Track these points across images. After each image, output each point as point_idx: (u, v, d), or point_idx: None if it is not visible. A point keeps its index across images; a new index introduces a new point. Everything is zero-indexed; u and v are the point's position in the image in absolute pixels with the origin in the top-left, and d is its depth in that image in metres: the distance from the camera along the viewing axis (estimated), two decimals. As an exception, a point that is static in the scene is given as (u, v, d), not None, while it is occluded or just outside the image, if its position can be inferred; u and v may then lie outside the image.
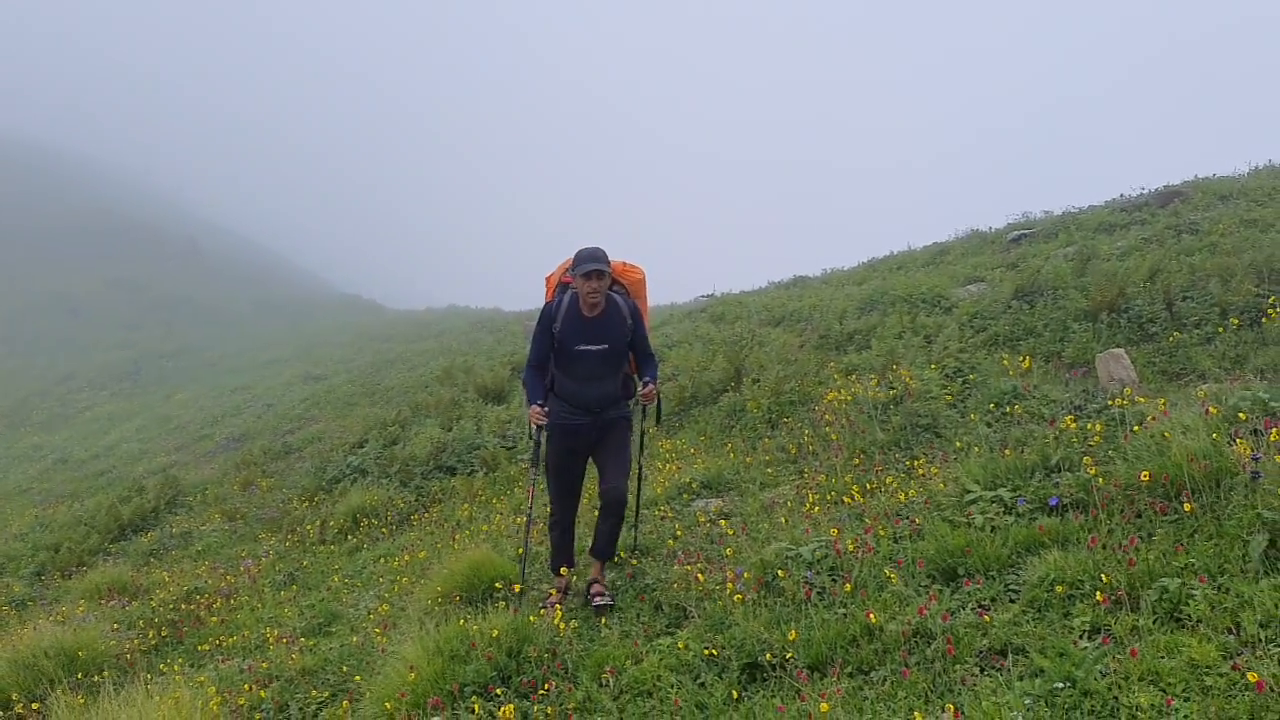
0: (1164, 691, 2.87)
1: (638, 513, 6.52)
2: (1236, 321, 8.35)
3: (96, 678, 6.16)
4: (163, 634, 7.73)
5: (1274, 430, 4.03)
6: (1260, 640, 3.01)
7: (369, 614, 6.91)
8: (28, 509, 18.75)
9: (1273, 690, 2.71)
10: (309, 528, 10.55)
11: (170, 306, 49.67)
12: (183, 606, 8.47)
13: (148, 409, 30.69)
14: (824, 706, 3.47)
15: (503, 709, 4.04)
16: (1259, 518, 3.68)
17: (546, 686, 4.44)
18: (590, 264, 5.30)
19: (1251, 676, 2.74)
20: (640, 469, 6.50)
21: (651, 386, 5.57)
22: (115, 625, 8.08)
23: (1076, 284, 10.98)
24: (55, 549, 14.22)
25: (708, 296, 24.18)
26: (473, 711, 4.21)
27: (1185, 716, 2.71)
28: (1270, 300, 8.28)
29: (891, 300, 13.86)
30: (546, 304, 5.68)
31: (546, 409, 5.52)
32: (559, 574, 5.91)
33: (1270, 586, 3.31)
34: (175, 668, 6.58)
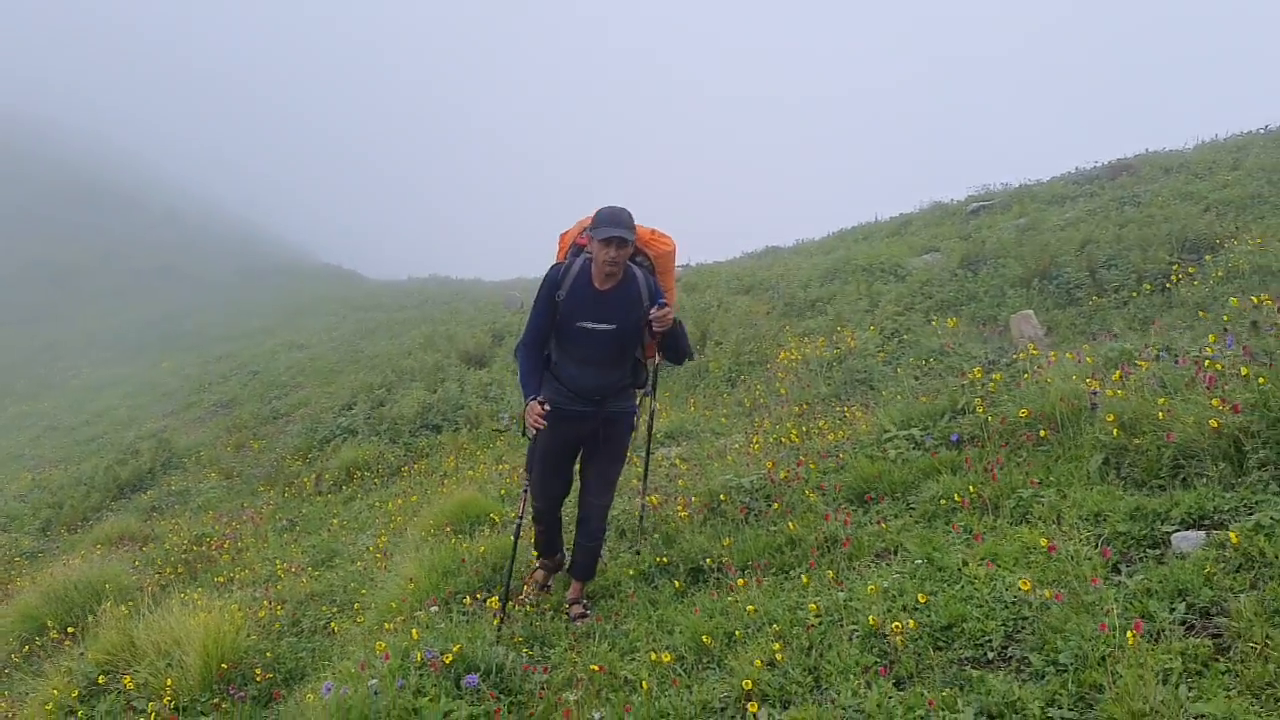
0: (996, 565, 3.75)
1: (642, 515, 6.05)
2: (1149, 287, 9.26)
3: (123, 607, 6.95)
4: (179, 571, 8.55)
5: (1117, 372, 4.92)
6: (1076, 527, 3.89)
7: (367, 549, 7.76)
8: (22, 474, 19.35)
9: (1064, 555, 3.60)
10: (305, 481, 11.36)
11: (152, 275, 49.93)
12: (194, 549, 9.29)
13: (134, 376, 31.17)
14: (750, 606, 4.34)
15: (490, 599, 4.91)
16: (1097, 440, 4.57)
17: (525, 591, 5.30)
18: (612, 229, 4.43)
19: (1043, 542, 3.66)
20: (648, 454, 5.96)
21: (668, 310, 4.66)
22: (135, 564, 8.88)
23: (1016, 254, 11.88)
24: (58, 507, 15.01)
25: (683, 267, 24.98)
26: (464, 605, 5.06)
27: (1004, 578, 3.59)
28: (1176, 268, 9.18)
29: (852, 269, 14.73)
30: (554, 265, 4.80)
31: (546, 406, 4.59)
32: (548, 556, 5.40)
33: (1099, 493, 4.19)
34: (195, 596, 7.40)
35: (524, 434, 4.77)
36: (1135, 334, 8.35)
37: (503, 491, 7.70)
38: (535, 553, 5.44)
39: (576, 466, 5.21)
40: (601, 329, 4.67)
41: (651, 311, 4.64)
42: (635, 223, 4.58)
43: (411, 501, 8.69)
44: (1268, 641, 2.69)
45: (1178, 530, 3.56)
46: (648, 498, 6.40)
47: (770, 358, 10.02)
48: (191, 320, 40.79)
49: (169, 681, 5.20)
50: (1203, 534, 3.43)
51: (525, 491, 5.06)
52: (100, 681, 5.46)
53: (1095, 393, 4.84)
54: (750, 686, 3.46)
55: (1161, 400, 4.41)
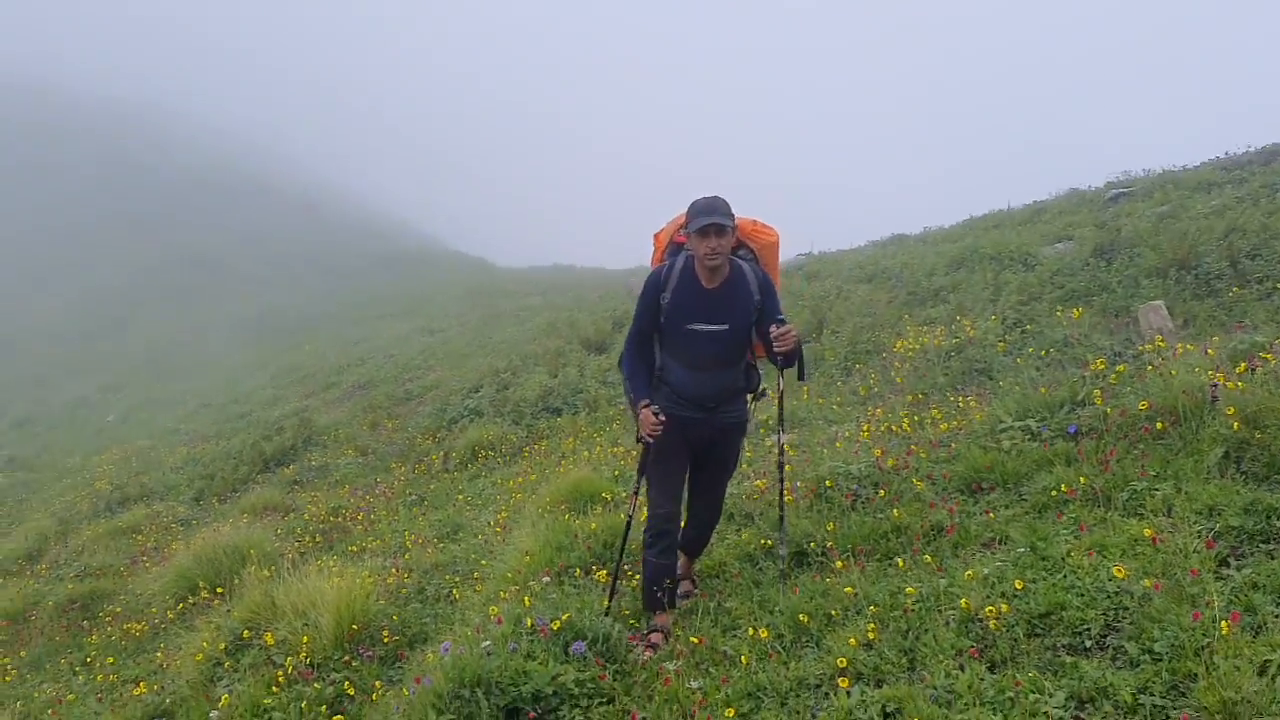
0: (1101, 555, 3.72)
1: (782, 516, 4.89)
2: (1296, 278, 8.78)
3: (265, 571, 7.47)
4: (316, 540, 9.11)
5: (1243, 364, 4.76)
6: (1187, 521, 3.82)
7: (488, 525, 8.11)
8: (178, 447, 20.75)
9: (1169, 547, 3.55)
10: (434, 458, 11.88)
11: (291, 262, 52.42)
12: (330, 520, 9.87)
13: (277, 358, 32.85)
14: (848, 587, 4.41)
15: (598, 572, 5.12)
16: (1217, 434, 4.45)
17: (636, 567, 5.48)
18: (708, 217, 4.22)
19: (1147, 530, 3.61)
20: (781, 451, 4.91)
21: (789, 325, 4.30)
22: (277, 532, 9.51)
23: (1153, 243, 11.40)
24: (210, 478, 16.10)
25: (805, 255, 24.81)
26: (575, 578, 5.28)
27: (1108, 568, 3.57)
28: (1326, 258, 8.69)
29: (979, 258, 14.37)
30: (654, 269, 4.61)
31: (660, 415, 4.35)
32: (660, 614, 4.68)
33: (1215, 487, 4.09)
34: (330, 564, 7.90)
35: (638, 440, 4.51)
36: (1274, 327, 7.97)
37: (616, 473, 7.92)
38: (647, 610, 4.75)
39: None
40: (713, 330, 4.40)
41: (771, 329, 4.27)
42: (732, 211, 4.34)
43: (531, 480, 9.02)
44: (1375, 638, 2.64)
45: (1292, 526, 3.47)
46: (756, 482, 6.50)
47: (887, 346, 9.95)
48: (331, 306, 42.70)
49: (305, 639, 5.60)
50: (1318, 530, 3.34)
51: (635, 494, 4.77)
52: (245, 636, 5.93)
53: (1216, 385, 4.70)
54: (845, 664, 3.55)
55: (1287, 393, 4.27)
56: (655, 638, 4.55)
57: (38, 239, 56.14)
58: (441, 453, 12.16)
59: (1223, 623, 2.78)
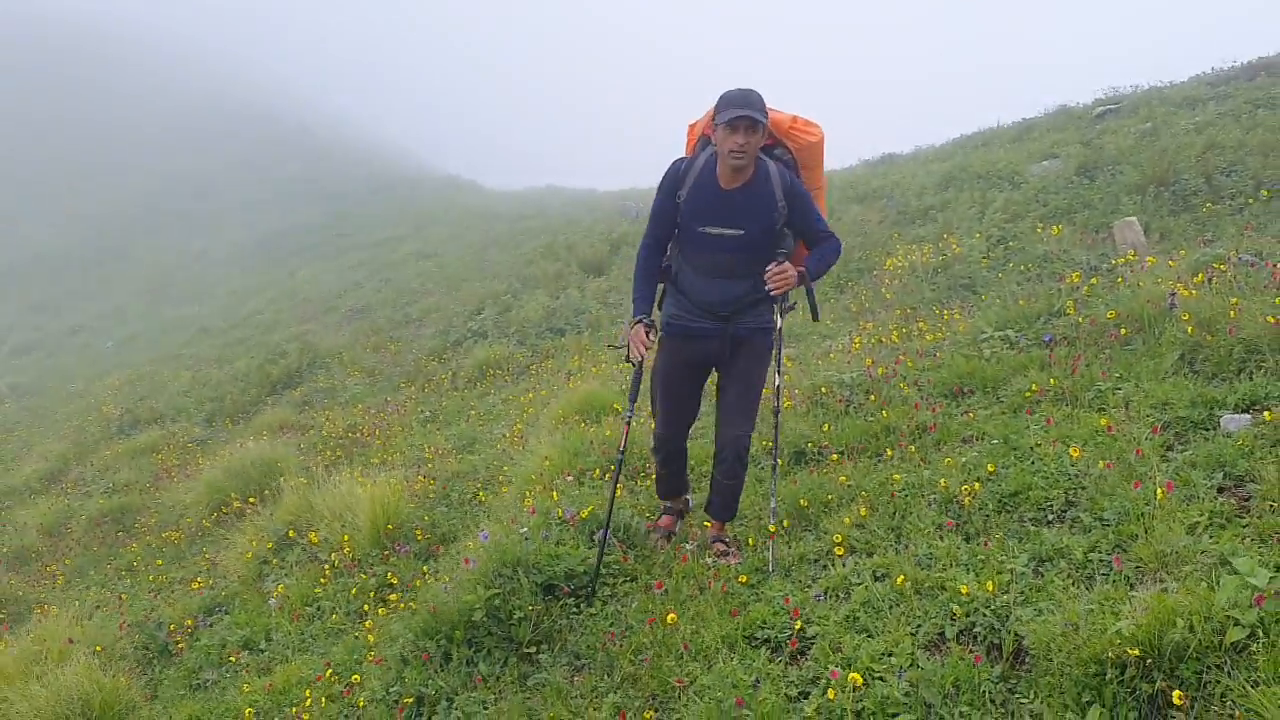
0: (1064, 445, 4.23)
1: (776, 462, 4.43)
2: (1268, 194, 9.21)
3: (301, 479, 7.99)
4: (336, 454, 9.62)
5: (1200, 274, 5.23)
6: (1142, 414, 4.33)
7: (503, 437, 8.61)
8: (181, 372, 21.13)
9: (1123, 435, 4.06)
10: (442, 378, 12.37)
11: (287, 187, 52.17)
12: (347, 435, 10.38)
13: (275, 284, 33.04)
14: (843, 477, 4.93)
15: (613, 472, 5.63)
16: (1175, 338, 4.94)
17: (648, 467, 6.00)
18: (739, 109, 3.81)
19: (1104, 421, 4.13)
20: (778, 393, 4.45)
21: (786, 263, 4.01)
22: (299, 446, 10.02)
23: (1134, 160, 11.77)
24: (219, 400, 16.57)
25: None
26: (594, 477, 5.80)
27: (1068, 453, 4.08)
28: (1296, 173, 9.11)
29: (968, 177, 14.72)
30: (676, 160, 4.22)
31: (653, 330, 4.19)
32: (670, 496, 4.79)
33: (1169, 385, 4.59)
34: (355, 474, 8.42)
35: (627, 359, 4.25)
36: (1236, 241, 8.43)
37: (622, 386, 8.40)
38: (659, 498, 4.89)
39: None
40: (728, 234, 4.05)
41: (769, 268, 4.01)
42: (771, 108, 3.99)
43: (541, 395, 9.51)
44: (1284, 501, 3.15)
45: (1228, 414, 3.97)
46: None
47: (878, 265, 10.39)
48: (325, 230, 42.66)
49: (345, 538, 6.14)
50: (1248, 417, 3.85)
51: (627, 422, 4.37)
52: (290, 535, 6.46)
53: (1174, 294, 5.18)
54: (840, 540, 4.07)
55: (1235, 300, 4.74)
56: (665, 521, 4.72)
57: (32, 168, 55.75)
58: (449, 372, 12.63)
59: (1158, 490, 3.30)
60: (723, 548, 4.55)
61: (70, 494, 12.04)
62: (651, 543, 4.68)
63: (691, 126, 4.38)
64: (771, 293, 4.07)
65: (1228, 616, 2.49)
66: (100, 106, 63.29)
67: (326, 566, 5.92)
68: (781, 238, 4.15)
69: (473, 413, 10.16)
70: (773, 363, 4.39)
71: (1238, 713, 2.29)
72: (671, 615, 3.76)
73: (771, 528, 4.30)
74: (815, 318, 4.56)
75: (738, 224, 4.05)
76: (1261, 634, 2.43)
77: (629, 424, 4.40)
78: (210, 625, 5.81)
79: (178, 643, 5.67)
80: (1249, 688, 2.32)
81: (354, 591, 5.48)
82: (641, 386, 4.48)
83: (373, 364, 15.98)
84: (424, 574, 5.41)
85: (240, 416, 15.01)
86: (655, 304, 4.35)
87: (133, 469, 12.40)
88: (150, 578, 7.36)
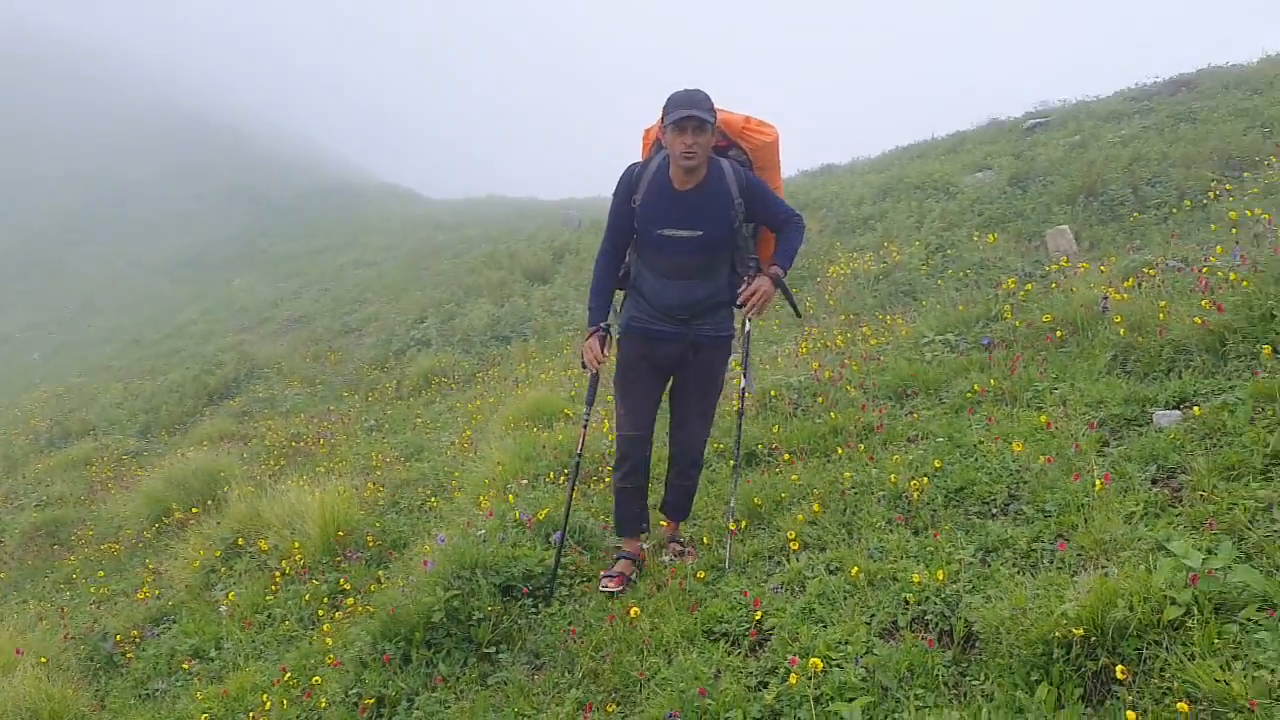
0: (1006, 441, 4.40)
1: (738, 464, 4.62)
2: (1190, 204, 9.60)
3: (249, 487, 7.88)
4: (281, 463, 9.51)
5: (1131, 279, 5.46)
6: (1078, 412, 4.51)
7: (451, 444, 8.60)
8: (113, 384, 20.64)
9: (1062, 432, 4.25)
10: (386, 386, 12.29)
11: (221, 195, 51.24)
12: (291, 444, 10.26)
13: (209, 294, 32.45)
14: (794, 476, 5.05)
15: (567, 476, 5.68)
16: (1108, 340, 5.16)
17: (602, 472, 6.07)
18: (684, 110, 3.81)
19: (1044, 419, 4.31)
20: (743, 396, 4.51)
21: (760, 279, 4.05)
22: (242, 456, 9.88)
23: (1064, 171, 12.18)
24: (154, 411, 16.23)
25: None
26: (548, 480, 5.85)
27: (1010, 450, 4.24)
28: (1214, 185, 9.52)
29: (905, 187, 15.07)
30: (630, 165, 4.18)
31: (608, 341, 4.18)
32: (627, 538, 4.56)
33: (1103, 384, 4.79)
34: (303, 483, 8.34)
35: (583, 367, 4.22)
36: (1164, 248, 8.78)
37: (572, 393, 8.46)
38: (617, 534, 4.66)
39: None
40: (685, 236, 4.01)
41: (740, 292, 4.06)
42: (720, 108, 3.99)
43: (490, 403, 9.52)
44: (1214, 489, 3.33)
45: (1159, 410, 4.17)
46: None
47: (821, 272, 10.59)
48: (262, 239, 41.97)
49: (295, 545, 6.09)
50: (1179, 413, 4.05)
51: (584, 425, 4.44)
52: (239, 544, 6.39)
53: (1106, 298, 5.41)
54: (794, 536, 4.18)
55: (1164, 303, 4.97)
56: (622, 565, 4.41)
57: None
58: (394, 381, 12.56)
59: (1097, 481, 3.46)
60: (679, 548, 4.59)
61: (1, 507, 11.70)
62: (605, 588, 4.32)
63: (647, 131, 4.34)
64: (752, 315, 4.10)
65: (1165, 596, 2.63)
66: (27, 112, 61.52)
67: (277, 574, 5.87)
68: (741, 240, 4.17)
69: (419, 421, 10.12)
70: (738, 365, 4.41)
71: (1176, 684, 2.43)
72: (634, 609, 3.83)
73: (731, 525, 4.39)
74: (798, 315, 4.69)
75: (695, 225, 4.02)
76: (1196, 611, 2.58)
77: (585, 427, 4.44)
78: (158, 635, 5.72)
79: (125, 653, 5.57)
80: (1186, 661, 2.46)
81: (306, 598, 5.45)
82: (600, 392, 4.53)
83: (313, 373, 15.80)
84: (378, 580, 5.40)
85: (176, 428, 14.72)
86: (614, 311, 4.32)
87: (66, 482, 12.08)
88: (91, 589, 7.21)
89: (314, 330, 20.46)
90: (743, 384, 4.47)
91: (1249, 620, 2.54)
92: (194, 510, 8.22)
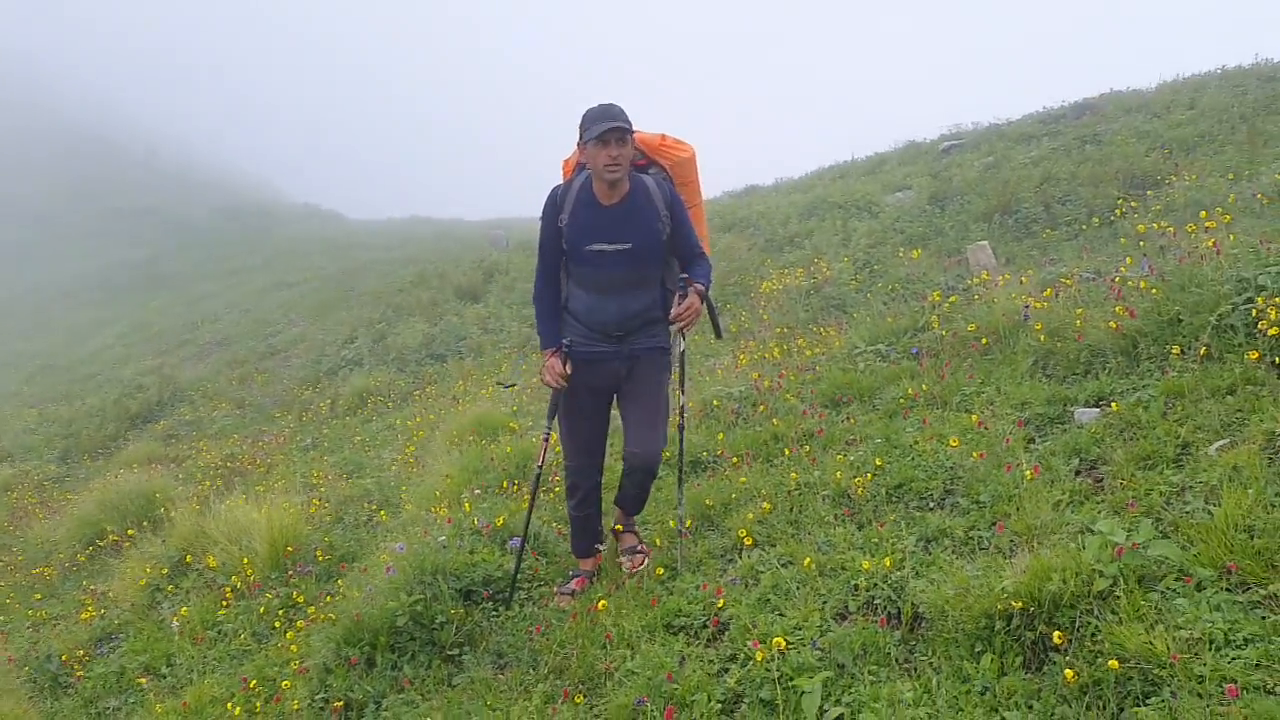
0: (940, 441, 4.68)
1: (681, 472, 4.73)
2: (1098, 220, 10.16)
3: (192, 504, 7.81)
4: (217, 483, 9.41)
5: (1049, 289, 5.83)
6: (1005, 412, 4.83)
7: (393, 461, 8.64)
8: (24, 410, 19.97)
9: (992, 431, 4.55)
10: (320, 406, 12.22)
11: (132, 216, 49.97)
12: (226, 464, 10.15)
13: (124, 317, 31.62)
14: (741, 479, 5.26)
15: (518, 485, 5.82)
16: (1029, 346, 5.50)
17: (553, 481, 6.20)
18: (606, 122, 3.87)
19: (974, 419, 4.61)
20: (682, 412, 4.77)
21: (691, 296, 4.07)
22: (177, 477, 9.75)
23: (980, 191, 12.75)
24: (74, 437, 15.80)
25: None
26: (498, 491, 5.97)
27: (945, 448, 4.53)
28: (1120, 202, 10.10)
29: (829, 207, 15.54)
30: (553, 189, 4.22)
31: (566, 358, 4.17)
32: (584, 556, 4.65)
33: (1026, 387, 5.12)
34: (243, 502, 8.28)
35: (544, 383, 4.27)
36: (1077, 261, 9.29)
37: (514, 408, 8.58)
38: (573, 555, 4.72)
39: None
40: (615, 250, 4.06)
41: (674, 306, 4.09)
42: (638, 129, 4.08)
43: (430, 420, 9.57)
44: (1132, 477, 3.64)
45: (1080, 409, 4.50)
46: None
47: (753, 288, 10.91)
48: (176, 261, 41.02)
49: (245, 561, 6.09)
50: (1097, 410, 4.38)
51: (546, 438, 4.42)
52: (188, 561, 6.36)
53: (1027, 307, 5.77)
54: (745, 534, 4.39)
55: (1080, 311, 5.34)
56: (577, 582, 4.52)
57: None
58: (328, 400, 12.49)
59: (1028, 472, 3.75)
60: (633, 540, 4.66)
61: (-85, 536, 11.30)
62: (561, 604, 4.42)
63: (565, 162, 4.43)
64: (682, 330, 4.16)
65: (1094, 570, 2.90)
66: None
67: (227, 590, 5.86)
68: (668, 256, 4.24)
69: (357, 439, 10.11)
70: (674, 381, 4.54)
71: (1107, 646, 2.68)
72: (602, 602, 3.99)
73: (673, 523, 4.58)
74: (719, 336, 4.72)
75: (623, 239, 4.07)
76: (1122, 582, 2.84)
77: (547, 441, 4.42)
78: (106, 654, 5.67)
79: (72, 672, 5.50)
80: (1115, 626, 2.72)
81: (262, 610, 5.47)
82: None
83: (240, 395, 15.58)
84: (330, 595, 5.43)
85: (99, 452, 14.38)
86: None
87: (-15, 509, 11.72)
88: (28, 613, 7.07)
89: (237, 352, 20.14)
90: (681, 400, 4.55)
91: (1168, 589, 2.82)
92: (130, 532, 8.10)
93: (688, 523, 4.83)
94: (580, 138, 4.01)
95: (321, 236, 42.33)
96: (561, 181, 4.30)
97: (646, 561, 4.53)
